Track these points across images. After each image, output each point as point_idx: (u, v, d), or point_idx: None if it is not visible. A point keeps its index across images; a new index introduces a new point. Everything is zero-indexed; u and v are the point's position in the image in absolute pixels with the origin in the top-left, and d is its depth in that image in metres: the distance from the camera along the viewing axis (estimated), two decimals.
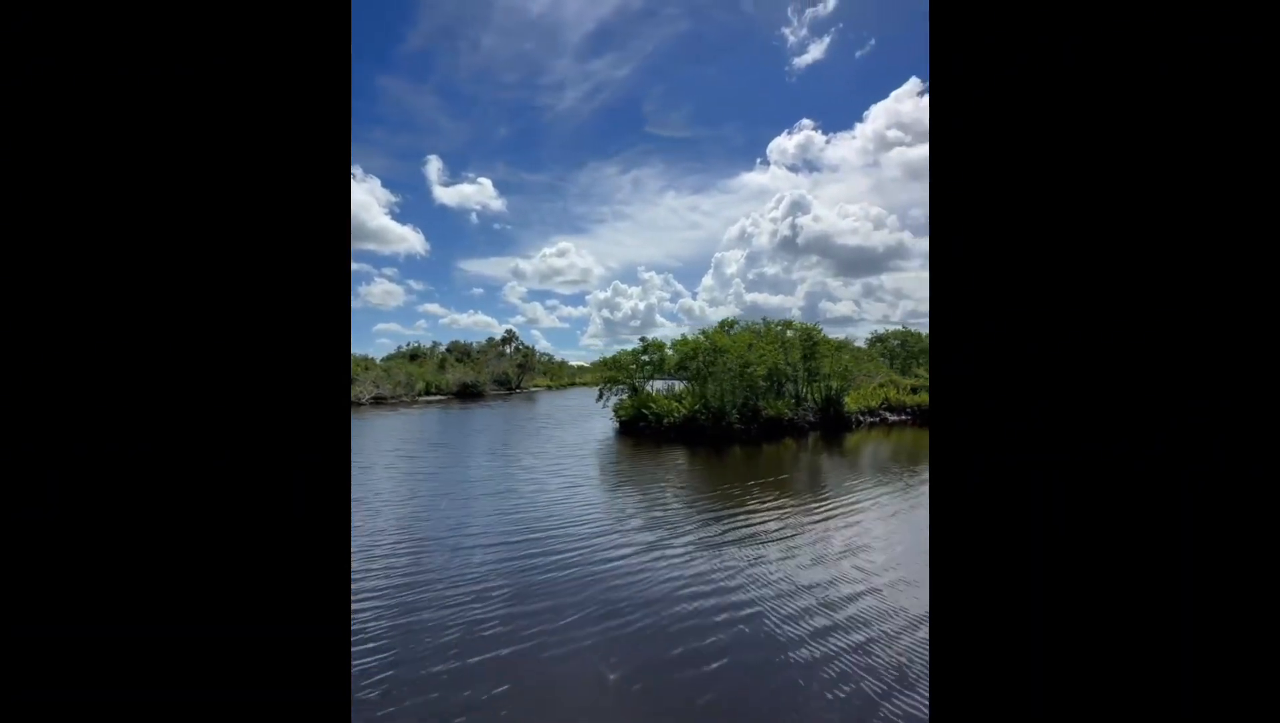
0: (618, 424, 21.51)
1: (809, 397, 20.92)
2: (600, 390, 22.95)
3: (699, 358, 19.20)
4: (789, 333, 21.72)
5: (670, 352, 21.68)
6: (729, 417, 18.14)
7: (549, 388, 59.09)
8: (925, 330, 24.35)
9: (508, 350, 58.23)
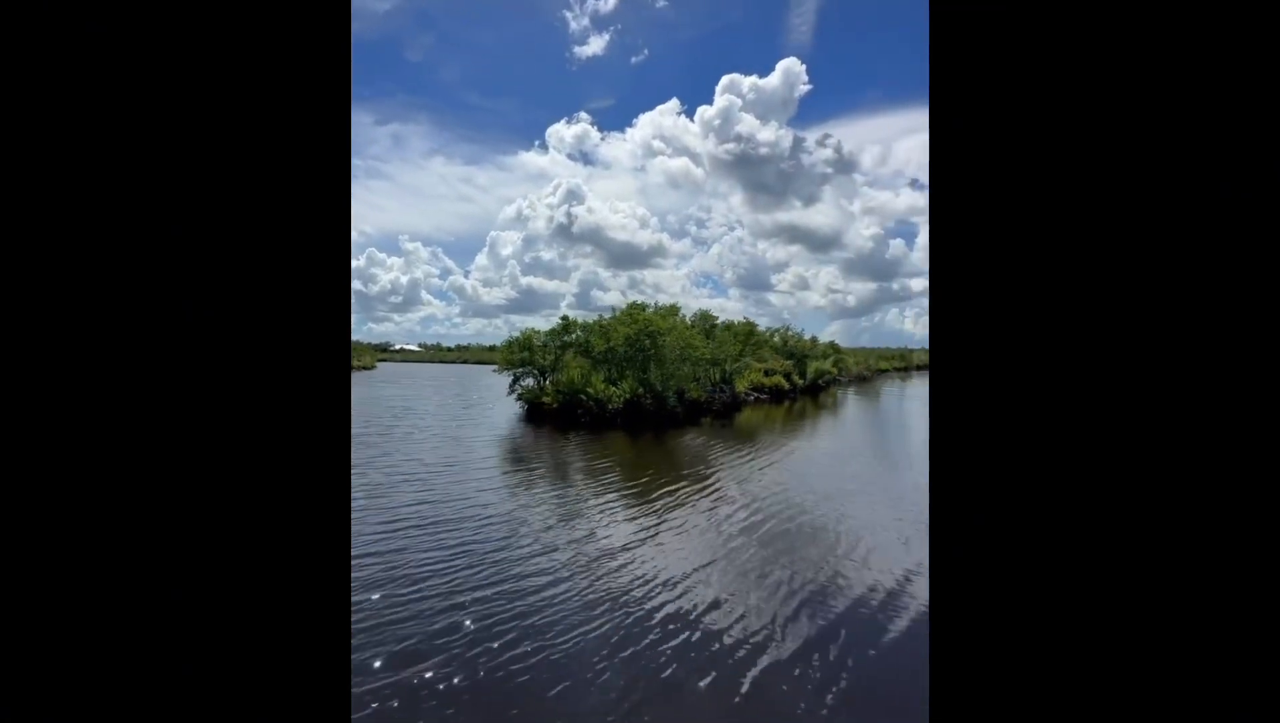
0: (523, 409, 20.20)
1: (712, 381, 23.17)
2: (515, 376, 21.05)
3: (644, 341, 19.37)
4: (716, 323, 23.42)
5: (582, 332, 21.19)
6: (670, 401, 19.02)
7: None
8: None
9: None
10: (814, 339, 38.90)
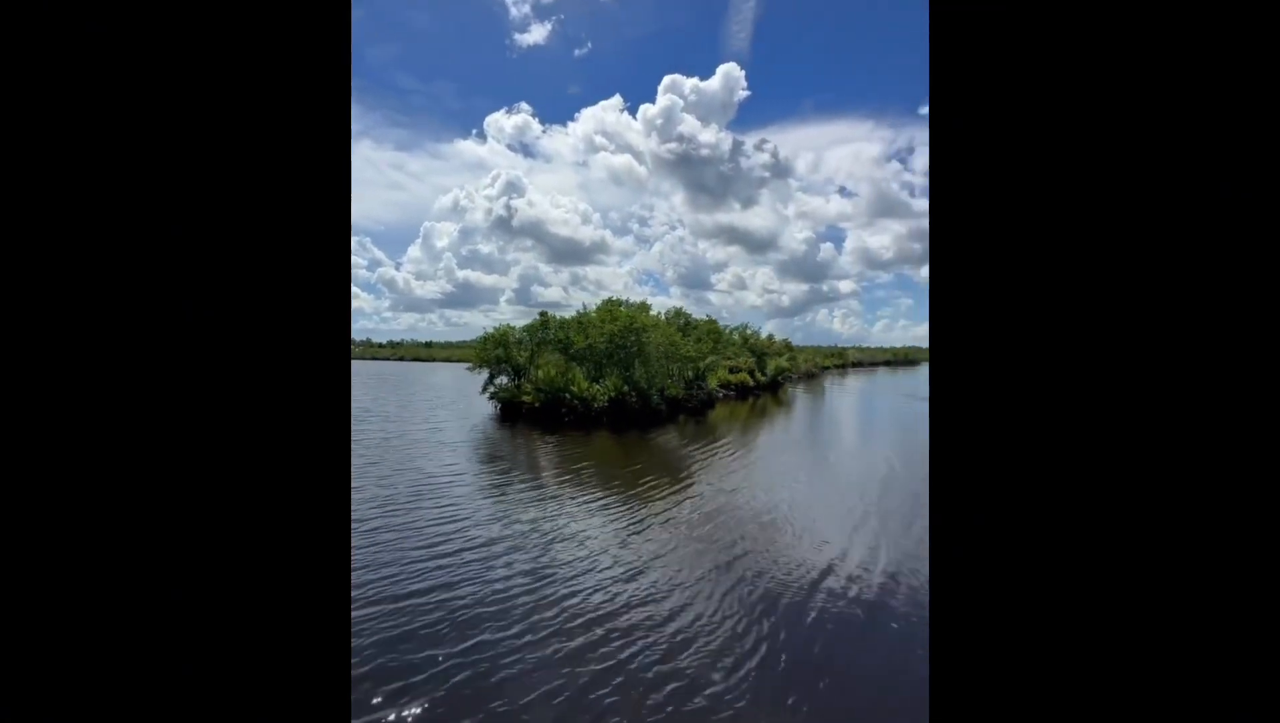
0: (497, 409, 19.34)
1: (686, 378, 23.19)
2: (491, 373, 19.97)
3: (629, 338, 18.98)
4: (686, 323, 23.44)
5: (560, 329, 20.54)
6: (653, 398, 18.80)
7: None
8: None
9: None
10: (770, 337, 40.13)
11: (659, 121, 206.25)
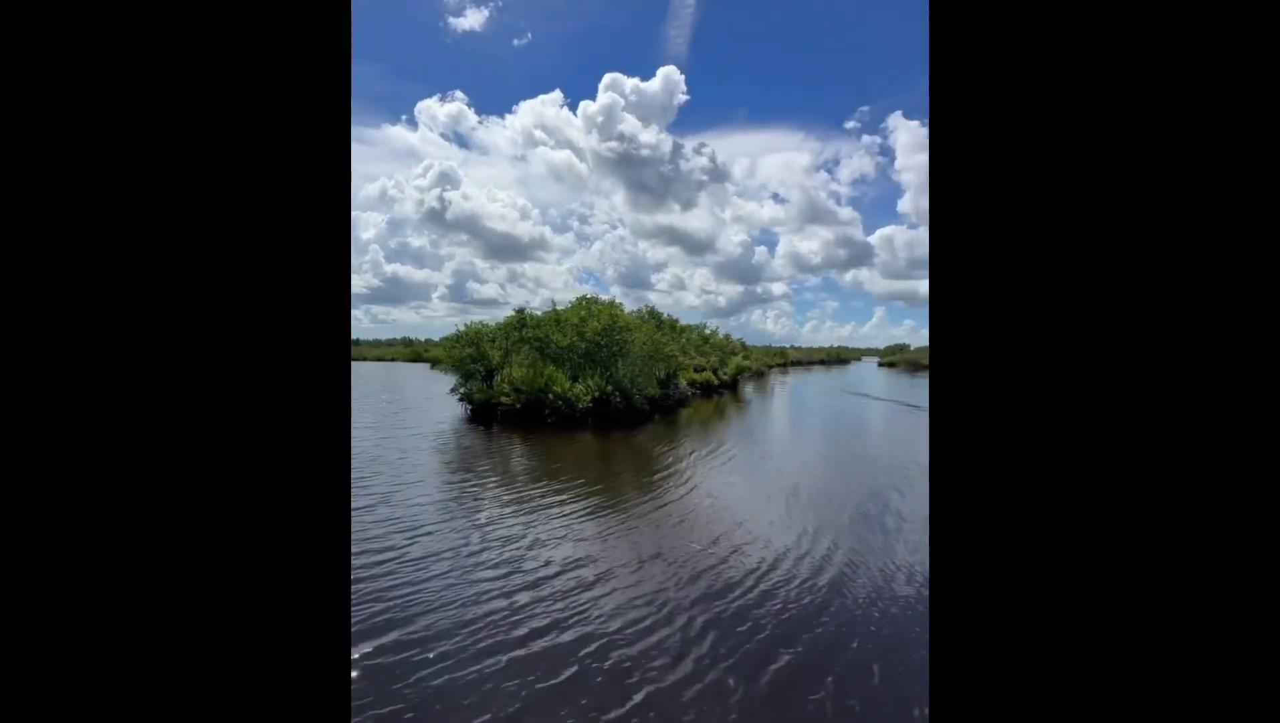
0: (467, 411, 18.45)
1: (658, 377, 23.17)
2: (469, 373, 18.87)
3: (613, 337, 18.61)
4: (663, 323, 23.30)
5: (534, 328, 19.86)
6: (636, 398, 18.61)
7: None
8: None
9: None
10: (727, 337, 41.01)
11: (600, 119, 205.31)
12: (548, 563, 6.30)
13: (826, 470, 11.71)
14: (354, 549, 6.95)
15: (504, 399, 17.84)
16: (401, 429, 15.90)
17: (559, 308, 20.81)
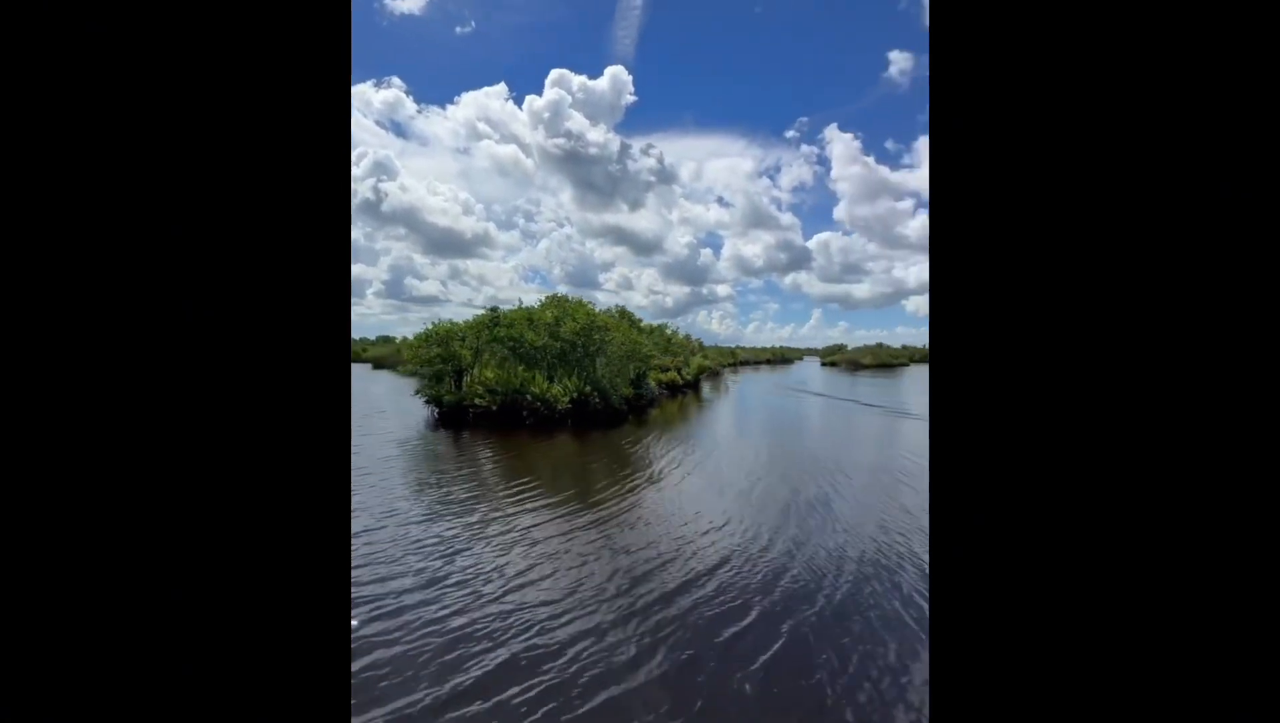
0: (434, 414, 17.60)
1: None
2: (439, 375, 17.86)
3: (592, 336, 18.24)
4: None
5: (506, 327, 19.21)
6: (613, 398, 18.37)
7: None
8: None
9: None
10: (687, 337, 41.40)
11: (546, 115, 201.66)
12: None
13: (829, 462, 12.04)
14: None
15: (478, 401, 17.11)
16: (365, 436, 14.87)
17: (529, 306, 20.22)
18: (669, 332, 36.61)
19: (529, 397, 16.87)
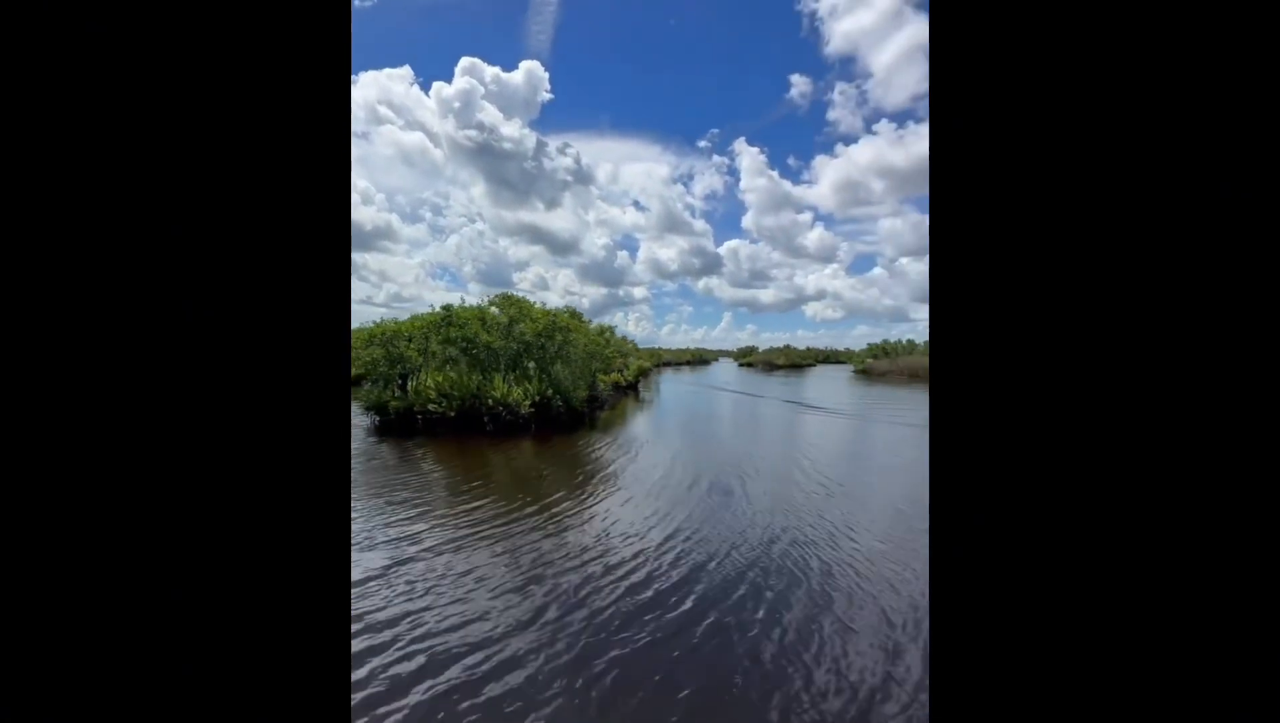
0: (373, 422, 16.21)
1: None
2: (385, 379, 16.24)
3: (554, 337, 17.54)
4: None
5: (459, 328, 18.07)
6: (574, 401, 17.90)
7: None
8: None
9: None
10: (624, 338, 41.30)
11: (457, 104, 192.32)
12: None
13: (791, 454, 12.58)
14: None
15: (431, 406, 15.91)
16: None
17: (482, 304, 19.17)
18: (608, 334, 36.41)
19: (490, 401, 15.98)
